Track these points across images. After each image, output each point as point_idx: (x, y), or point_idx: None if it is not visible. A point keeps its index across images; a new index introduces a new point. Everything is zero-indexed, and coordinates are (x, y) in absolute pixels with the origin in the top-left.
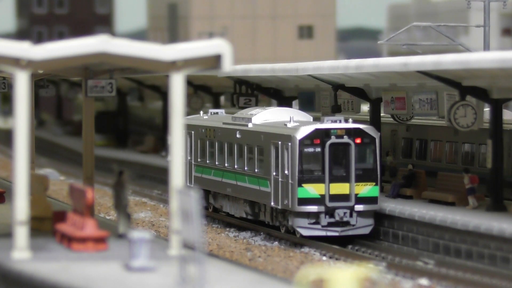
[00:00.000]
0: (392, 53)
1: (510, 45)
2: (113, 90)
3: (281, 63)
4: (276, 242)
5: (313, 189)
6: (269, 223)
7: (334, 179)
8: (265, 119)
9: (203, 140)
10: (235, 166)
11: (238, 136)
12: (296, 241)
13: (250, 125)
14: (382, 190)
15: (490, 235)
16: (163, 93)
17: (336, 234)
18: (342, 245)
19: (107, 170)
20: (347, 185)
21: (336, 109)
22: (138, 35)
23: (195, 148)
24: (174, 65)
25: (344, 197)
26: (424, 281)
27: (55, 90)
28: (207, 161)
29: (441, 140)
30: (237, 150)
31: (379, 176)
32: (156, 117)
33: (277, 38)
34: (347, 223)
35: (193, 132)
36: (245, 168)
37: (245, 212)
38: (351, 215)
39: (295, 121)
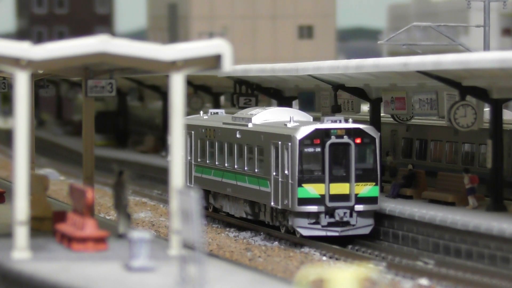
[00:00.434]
0: (392, 53)
1: (510, 45)
2: (113, 90)
3: (281, 63)
4: (276, 242)
5: (313, 189)
6: (269, 223)
7: (334, 179)
8: (265, 119)
9: (203, 140)
10: (235, 166)
11: (238, 136)
12: (296, 241)
13: (250, 125)
14: (382, 190)
15: (490, 235)
16: (163, 93)
17: (336, 234)
18: (342, 245)
19: (107, 170)
20: (347, 185)
21: (336, 109)
22: (138, 35)
23: (195, 148)
24: (174, 65)
25: (344, 197)
26: (424, 281)
27: (55, 90)
28: (207, 161)
29: (441, 140)
30: (237, 150)
31: (379, 176)
32: (156, 117)
33: (277, 38)
34: (347, 223)
35: (193, 132)
36: (245, 168)
37: (245, 212)
38: (351, 215)
39: (295, 121)
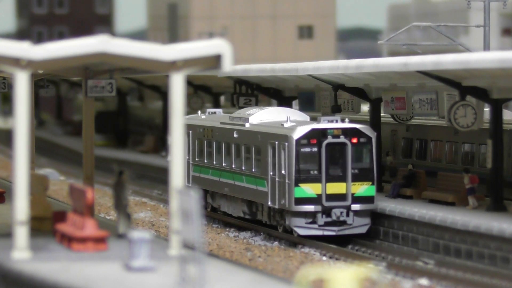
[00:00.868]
0: (392, 53)
1: (510, 45)
2: (113, 90)
3: (281, 63)
4: (276, 242)
5: (310, 189)
6: (266, 222)
7: (330, 178)
8: (262, 119)
9: (201, 140)
10: (233, 166)
11: (235, 135)
12: (293, 240)
13: (247, 125)
14: (382, 189)
15: (490, 235)
16: (163, 93)
17: (333, 233)
18: (342, 245)
19: (107, 170)
20: (343, 184)
21: (336, 109)
22: (138, 35)
23: (193, 148)
24: (174, 65)
25: (341, 197)
26: (424, 281)
27: (55, 90)
28: (205, 161)
29: (441, 140)
30: (235, 149)
31: (375, 175)
32: (156, 117)
33: (277, 38)
34: (343, 223)
35: (191, 131)
36: (243, 168)
37: (243, 212)
38: (347, 215)
39: (292, 121)
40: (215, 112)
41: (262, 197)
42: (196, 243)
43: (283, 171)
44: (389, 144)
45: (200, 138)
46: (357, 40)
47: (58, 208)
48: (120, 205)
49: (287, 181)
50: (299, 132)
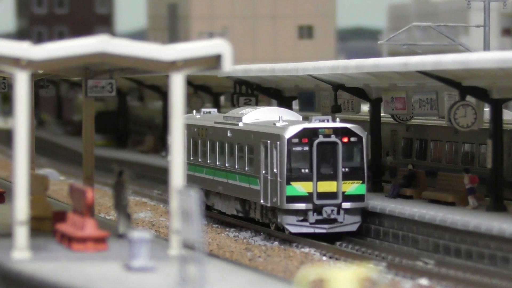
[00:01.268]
0: (392, 53)
1: (510, 45)
2: (113, 90)
3: (281, 63)
4: (276, 242)
5: (301, 187)
6: (259, 220)
7: (321, 177)
8: (255, 118)
9: (195, 139)
10: (226, 165)
11: (229, 135)
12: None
13: (240, 124)
14: (382, 190)
15: (490, 235)
16: (163, 93)
17: (324, 231)
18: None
19: (107, 170)
20: (334, 183)
21: (336, 109)
22: (138, 35)
23: (188, 147)
24: (174, 65)
25: (332, 195)
26: (424, 281)
27: (55, 90)
28: (199, 160)
29: (441, 140)
30: (228, 149)
31: (366, 174)
32: (156, 117)
33: (277, 38)
34: (334, 220)
35: (186, 131)
36: (236, 167)
37: (236, 210)
38: (338, 213)
39: (284, 120)
40: (210, 112)
41: (255, 195)
42: (196, 243)
43: (275, 170)
44: (389, 144)
45: (195, 137)
46: (357, 40)
47: (58, 208)
48: (120, 205)
49: (279, 179)
50: (291, 131)
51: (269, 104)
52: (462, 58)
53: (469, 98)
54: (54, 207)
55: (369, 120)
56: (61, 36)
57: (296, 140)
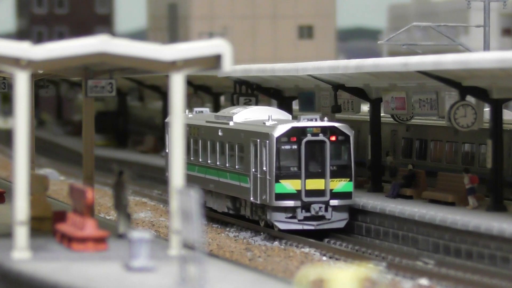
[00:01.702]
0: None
1: (510, 45)
2: (113, 90)
3: (281, 63)
4: (276, 242)
5: (289, 185)
6: (249, 217)
7: (310, 175)
8: (246, 117)
9: (187, 138)
10: (218, 163)
11: (220, 134)
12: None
13: (231, 123)
14: (382, 190)
15: (490, 235)
16: (163, 93)
17: (312, 227)
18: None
19: (107, 170)
20: (322, 181)
21: (336, 109)
22: (138, 35)
23: None
24: (174, 65)
25: (320, 193)
26: (424, 281)
27: (55, 90)
28: (192, 158)
29: (441, 140)
30: (219, 147)
31: (353, 172)
32: (156, 117)
33: (277, 38)
34: (322, 217)
35: None
36: (227, 165)
37: (227, 207)
38: (326, 210)
39: (273, 119)
40: (202, 111)
41: (245, 193)
42: (196, 243)
43: (264, 168)
44: (389, 144)
45: (187, 136)
46: (357, 40)
47: (58, 208)
48: (120, 205)
49: (268, 177)
50: (280, 130)
51: (269, 104)
52: (462, 58)
53: (469, 98)
54: (54, 207)
55: (369, 120)
56: (61, 36)
57: (285, 139)
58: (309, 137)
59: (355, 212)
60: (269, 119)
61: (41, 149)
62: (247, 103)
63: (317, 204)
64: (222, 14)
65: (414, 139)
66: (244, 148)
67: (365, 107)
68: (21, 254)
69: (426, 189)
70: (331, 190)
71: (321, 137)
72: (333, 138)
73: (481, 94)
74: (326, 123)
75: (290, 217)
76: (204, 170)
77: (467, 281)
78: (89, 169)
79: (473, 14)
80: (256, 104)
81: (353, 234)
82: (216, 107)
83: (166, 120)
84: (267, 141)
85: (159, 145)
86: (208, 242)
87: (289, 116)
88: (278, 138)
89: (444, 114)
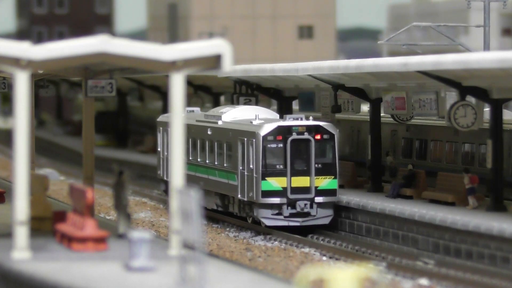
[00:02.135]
0: (392, 53)
1: (510, 45)
2: (113, 90)
3: (281, 63)
4: (276, 242)
5: (275, 182)
6: (237, 214)
7: (295, 173)
8: (234, 117)
9: None
10: (207, 161)
11: (209, 132)
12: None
13: (220, 122)
14: (382, 190)
15: (490, 235)
16: (163, 93)
17: (298, 224)
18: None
19: (107, 170)
20: (307, 178)
21: (336, 109)
22: (138, 35)
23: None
24: (174, 65)
25: (305, 190)
26: (424, 281)
27: (55, 90)
28: None
29: (441, 140)
30: (209, 146)
31: (337, 170)
32: (156, 117)
33: (277, 38)
34: (307, 214)
35: (169, 129)
36: (216, 163)
37: (216, 204)
38: (311, 207)
39: (260, 118)
40: (193, 111)
41: (233, 190)
42: (196, 243)
43: (251, 166)
44: (389, 144)
45: None
46: (357, 40)
47: (58, 208)
48: (120, 205)
49: (254, 175)
50: (266, 129)
51: (269, 104)
52: (462, 58)
53: (469, 98)
54: (54, 207)
55: (369, 120)
56: (61, 36)
57: (271, 138)
58: (294, 136)
59: (355, 212)
60: (256, 118)
61: (41, 149)
62: (247, 103)
63: (302, 201)
64: (222, 14)
65: (414, 139)
66: (232, 146)
67: (365, 107)
68: (21, 254)
69: (426, 189)
70: (316, 187)
71: (306, 135)
72: (318, 137)
73: (481, 94)
74: (311, 122)
75: (276, 214)
76: (194, 168)
77: (467, 281)
78: (89, 169)
79: (473, 14)
80: (256, 104)
81: (353, 234)
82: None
83: (158, 120)
84: (254, 140)
85: None
86: (208, 242)
87: (277, 116)
88: (264, 137)
89: (444, 114)
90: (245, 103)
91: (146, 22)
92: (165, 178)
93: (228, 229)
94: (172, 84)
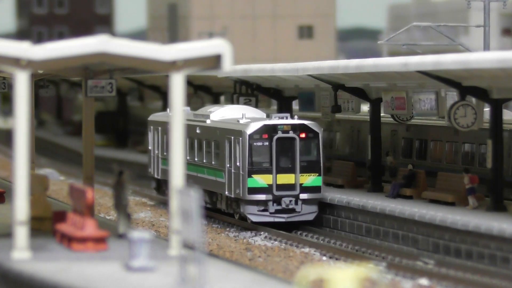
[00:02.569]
0: (392, 53)
1: (510, 45)
2: (113, 90)
3: (281, 63)
4: (276, 242)
5: (261, 179)
6: (224, 210)
7: (280, 170)
8: (222, 116)
9: (168, 136)
10: (196, 159)
11: (198, 131)
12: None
13: (208, 121)
14: (382, 189)
15: (490, 235)
16: (163, 93)
17: (283, 220)
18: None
19: (107, 170)
20: (292, 175)
21: (336, 109)
22: (138, 35)
23: (162, 143)
24: (174, 65)
25: (290, 187)
26: (424, 281)
27: (55, 90)
28: None
29: (441, 140)
30: (197, 144)
31: (322, 167)
32: None
33: (277, 38)
34: (292, 210)
35: (160, 128)
36: (204, 161)
37: (205, 201)
38: (296, 203)
39: (247, 117)
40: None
41: (221, 188)
42: (196, 243)
43: (238, 163)
44: (389, 144)
45: (168, 134)
46: (357, 40)
47: (58, 208)
48: (120, 205)
49: (241, 172)
50: (252, 127)
51: (269, 104)
52: (462, 58)
53: (469, 98)
54: (54, 207)
55: (369, 120)
56: (61, 36)
57: (257, 136)
58: (280, 134)
59: (355, 212)
60: (243, 117)
61: (41, 149)
62: (247, 103)
63: (287, 198)
64: (222, 14)
65: (414, 139)
66: (219, 145)
67: (365, 107)
68: (21, 254)
69: (426, 189)
70: (301, 184)
71: (291, 134)
72: (302, 135)
73: (481, 94)
74: (296, 121)
75: (262, 210)
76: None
77: (467, 281)
78: (89, 169)
79: (473, 14)
80: (256, 104)
81: (353, 234)
82: None
83: (149, 119)
84: (240, 138)
85: None
86: (208, 242)
87: (263, 115)
88: (250, 135)
89: (444, 114)
90: (245, 103)
91: (146, 22)
92: (155, 176)
93: (228, 229)
94: (172, 84)
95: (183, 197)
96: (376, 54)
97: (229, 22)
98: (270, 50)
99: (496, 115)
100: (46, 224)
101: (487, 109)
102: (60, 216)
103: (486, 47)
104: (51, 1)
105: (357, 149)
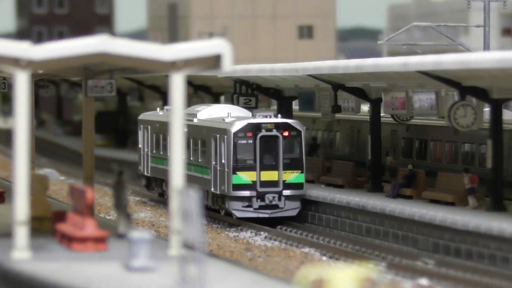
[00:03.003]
0: (392, 53)
1: (510, 45)
2: (113, 90)
3: (281, 63)
4: (276, 242)
5: (246, 176)
6: (210, 207)
7: (264, 167)
8: (209, 115)
9: (157, 134)
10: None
11: (185, 130)
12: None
13: (195, 120)
14: (382, 189)
15: (490, 235)
16: (163, 93)
17: (267, 215)
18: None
19: (107, 170)
20: (276, 172)
21: (336, 109)
22: (138, 35)
23: (151, 141)
24: (174, 65)
25: (273, 183)
26: (424, 281)
27: (55, 90)
28: (161, 153)
29: (441, 140)
30: (185, 142)
31: (304, 164)
32: None
33: (277, 38)
34: (276, 206)
35: (149, 126)
36: (191, 159)
37: None
38: (279, 199)
39: (232, 116)
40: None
41: (207, 184)
42: (196, 243)
43: (223, 161)
44: (389, 144)
45: (157, 132)
46: (357, 40)
47: (58, 208)
48: (120, 205)
49: (226, 169)
50: (237, 126)
51: (269, 104)
52: (462, 58)
53: (469, 98)
54: (54, 207)
55: (369, 120)
56: (61, 36)
57: (241, 134)
58: (263, 132)
59: (355, 212)
60: (228, 116)
61: (41, 149)
62: (247, 103)
63: (271, 194)
64: (222, 14)
65: (414, 139)
66: (206, 143)
67: (365, 107)
68: (21, 254)
69: (426, 189)
70: (284, 181)
71: (274, 132)
72: (285, 134)
73: (481, 94)
74: (279, 119)
75: (247, 206)
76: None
77: (467, 281)
78: (89, 169)
79: (473, 14)
80: (256, 104)
81: (353, 234)
82: None
83: (139, 118)
84: (225, 136)
85: None
86: (208, 242)
87: (249, 114)
88: (235, 133)
89: (444, 114)
90: (245, 103)
91: (146, 22)
92: (145, 174)
93: (228, 229)
94: (172, 84)
95: (183, 197)
96: (376, 54)
97: (229, 22)
98: (270, 50)
99: (496, 115)
100: (46, 224)
101: (487, 109)
102: (60, 216)
103: (486, 47)
104: (51, 1)
105: (357, 149)
